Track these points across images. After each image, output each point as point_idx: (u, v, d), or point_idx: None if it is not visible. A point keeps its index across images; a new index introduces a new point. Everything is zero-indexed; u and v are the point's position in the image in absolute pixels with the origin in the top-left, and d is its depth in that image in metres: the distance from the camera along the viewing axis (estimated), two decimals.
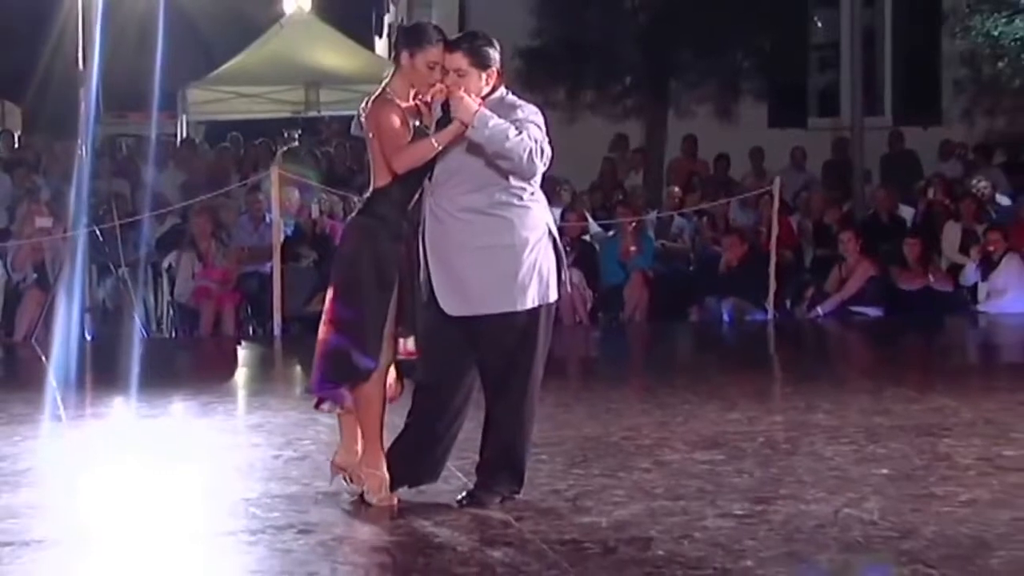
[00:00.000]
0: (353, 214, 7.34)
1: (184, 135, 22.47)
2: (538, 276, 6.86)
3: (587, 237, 17.08)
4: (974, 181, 18.35)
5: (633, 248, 16.59)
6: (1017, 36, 18.69)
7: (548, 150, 6.76)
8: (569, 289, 7.18)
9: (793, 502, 7.04)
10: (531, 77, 20.34)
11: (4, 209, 16.98)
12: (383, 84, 7.06)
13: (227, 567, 6.26)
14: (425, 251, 6.88)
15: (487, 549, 6.29)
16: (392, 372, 7.09)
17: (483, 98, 6.80)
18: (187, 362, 14.68)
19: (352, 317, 6.97)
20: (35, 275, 15.29)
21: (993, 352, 14.99)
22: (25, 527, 6.85)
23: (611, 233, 17.08)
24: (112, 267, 15.28)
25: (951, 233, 17.09)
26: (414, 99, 6.96)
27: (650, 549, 6.23)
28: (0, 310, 15.41)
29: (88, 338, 14.76)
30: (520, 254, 6.80)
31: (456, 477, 7.69)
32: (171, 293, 15.84)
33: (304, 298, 15.84)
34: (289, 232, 16.24)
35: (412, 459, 7.07)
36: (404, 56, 6.98)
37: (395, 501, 7.07)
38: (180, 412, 10.68)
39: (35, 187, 17.11)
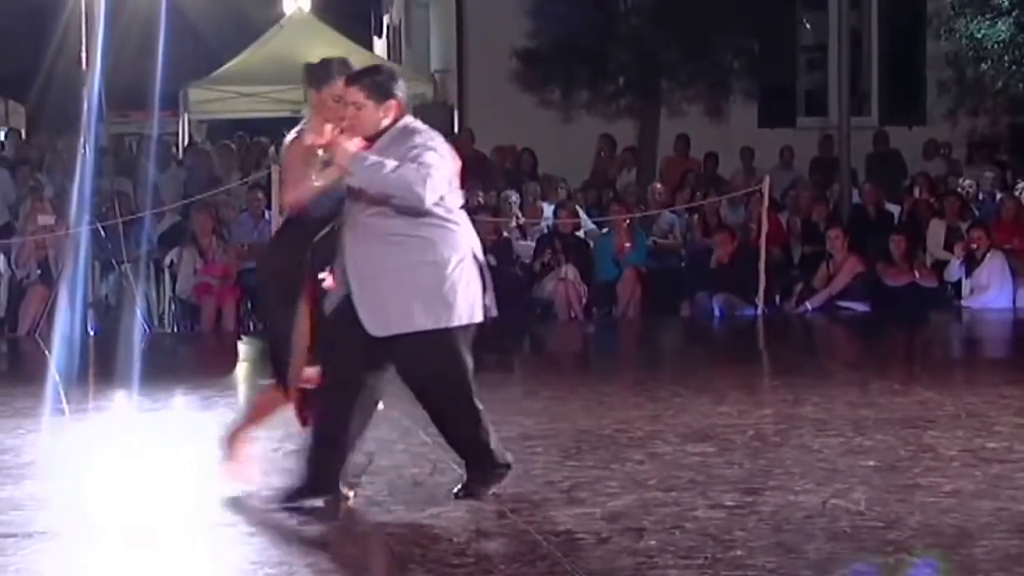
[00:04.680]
0: (268, 241, 7.61)
1: (186, 134, 22.53)
2: (462, 295, 6.91)
3: (581, 234, 17.21)
4: (960, 180, 18.57)
5: (627, 245, 16.72)
6: (999, 38, 18.86)
7: (439, 177, 6.77)
8: (494, 313, 7.14)
9: (782, 493, 7.14)
10: (527, 77, 20.49)
11: (7, 206, 17.08)
12: (302, 122, 7.29)
13: (228, 558, 6.32)
14: (348, 275, 6.94)
15: (482, 540, 6.38)
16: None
17: (384, 130, 6.91)
18: (188, 357, 14.73)
19: (270, 336, 7.32)
20: (39, 271, 15.37)
21: (976, 346, 15.13)
22: (28, 519, 6.92)
23: (604, 230, 17.21)
24: (114, 263, 15.35)
25: (936, 230, 17.28)
26: (333, 132, 7.07)
27: (643, 539, 6.31)
28: (4, 306, 15.51)
29: (91, 333, 14.83)
30: (442, 272, 6.86)
31: (452, 469, 7.83)
32: (173, 289, 15.94)
33: None
34: None
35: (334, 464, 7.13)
36: (312, 93, 7.25)
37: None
38: (181, 406, 10.73)
39: (39, 185, 17.18)
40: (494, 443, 7.21)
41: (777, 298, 16.71)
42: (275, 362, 7.24)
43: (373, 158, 6.76)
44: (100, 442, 9.08)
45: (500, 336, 15.30)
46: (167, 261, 16.01)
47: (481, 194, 17.83)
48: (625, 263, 16.63)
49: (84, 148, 15.86)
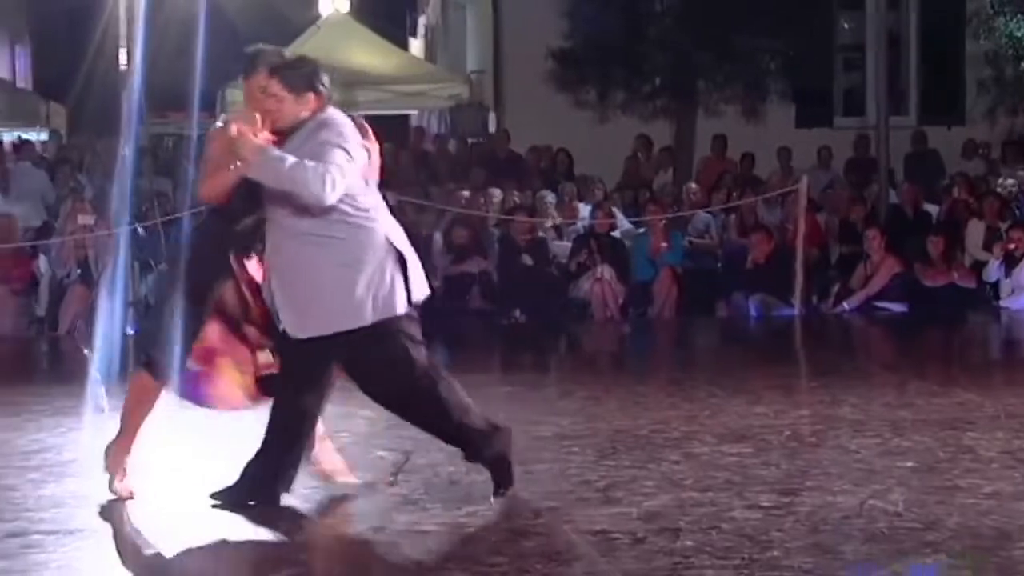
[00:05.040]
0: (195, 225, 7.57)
1: None
2: (376, 290, 6.84)
3: (617, 234, 17.21)
4: (1000, 180, 18.47)
5: (663, 245, 16.72)
6: None
7: (342, 174, 6.70)
8: (424, 293, 7.07)
9: (819, 494, 7.10)
10: (562, 78, 20.50)
11: (46, 207, 17.17)
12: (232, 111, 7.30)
13: (267, 557, 6.35)
14: (269, 276, 6.97)
15: (518, 539, 6.38)
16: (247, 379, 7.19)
17: (302, 123, 6.89)
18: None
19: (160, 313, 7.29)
20: (79, 271, 15.47)
21: (1015, 347, 15.06)
22: (69, 516, 6.96)
23: (640, 230, 17.21)
24: (153, 263, 15.44)
25: (974, 231, 17.21)
26: (263, 122, 7.04)
27: (679, 539, 6.30)
28: (45, 305, 15.61)
29: (130, 332, 14.93)
30: (354, 270, 6.81)
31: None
32: None
33: None
34: None
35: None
36: (241, 81, 7.25)
37: (130, 492, 7.24)
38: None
39: (79, 185, 17.27)
40: (473, 418, 7.16)
41: (814, 299, 16.67)
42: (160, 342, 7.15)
43: (275, 152, 6.75)
44: (139, 440, 9.12)
45: (536, 336, 15.39)
46: None
47: (517, 194, 17.87)
48: (661, 263, 16.63)
49: (124, 149, 15.99)
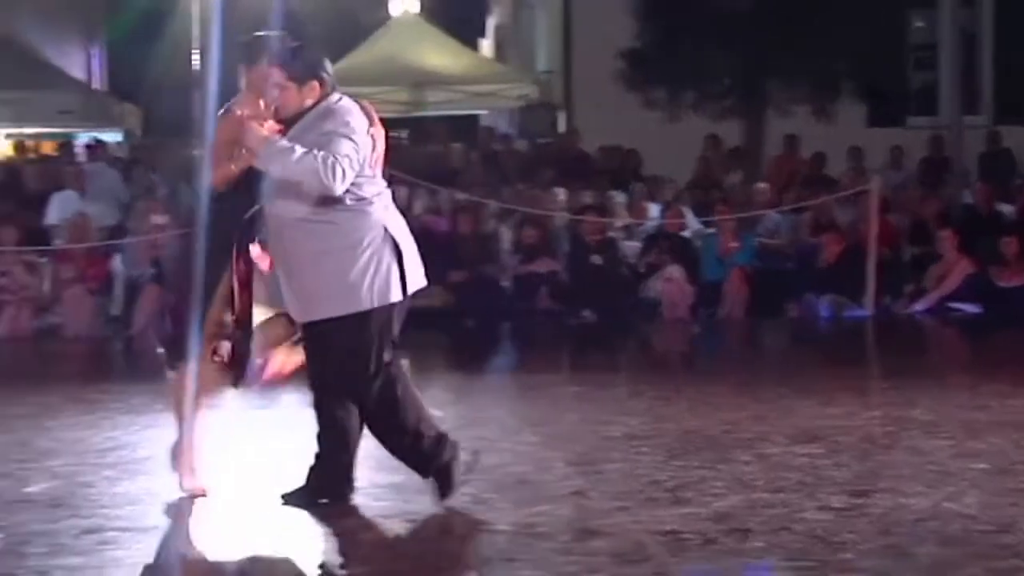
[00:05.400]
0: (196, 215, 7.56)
1: None
2: (371, 278, 6.84)
3: (687, 234, 17.18)
4: None
5: (733, 245, 16.68)
6: None
7: (349, 163, 6.71)
8: (419, 285, 7.07)
9: (892, 496, 7.07)
10: (632, 78, 20.47)
11: (120, 207, 17.32)
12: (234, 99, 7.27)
13: (335, 555, 6.39)
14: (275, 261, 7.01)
15: (588, 539, 6.38)
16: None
17: (307, 110, 6.91)
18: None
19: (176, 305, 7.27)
20: (152, 271, 15.60)
21: None
22: (144, 513, 7.01)
23: (711, 230, 17.18)
24: None
25: None
26: (266, 108, 7.08)
27: (749, 540, 6.29)
28: (120, 305, 15.75)
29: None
30: (350, 257, 6.81)
31: (558, 467, 7.88)
32: None
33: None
34: None
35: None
36: (242, 70, 7.22)
37: (202, 489, 7.26)
38: (291, 403, 10.79)
39: (152, 185, 17.42)
40: (425, 427, 7.10)
41: (886, 299, 16.57)
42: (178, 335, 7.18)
43: (283, 143, 6.77)
44: (212, 439, 9.18)
45: (606, 336, 15.39)
46: None
47: (588, 194, 17.87)
48: (731, 263, 16.59)
49: (197, 149, 16.07)
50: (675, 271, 16.39)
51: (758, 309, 16.40)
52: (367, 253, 6.84)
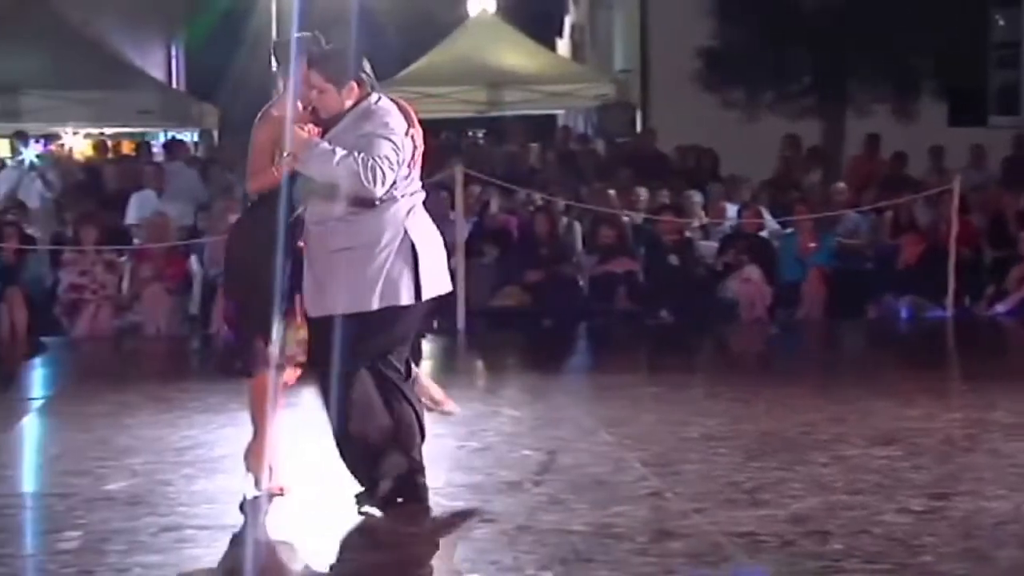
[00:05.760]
0: (238, 217, 7.54)
1: None
2: (383, 280, 6.84)
3: (765, 234, 17.10)
4: None
5: (811, 245, 16.58)
6: None
7: (389, 165, 6.71)
8: (435, 291, 7.01)
9: (972, 498, 7.03)
10: (710, 77, 20.40)
11: (197, 206, 17.43)
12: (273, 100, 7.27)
13: (412, 554, 6.40)
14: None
15: (665, 540, 6.37)
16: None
17: (347, 111, 6.91)
18: None
19: (236, 315, 7.24)
20: None
21: None
22: (222, 512, 7.08)
23: (789, 230, 17.08)
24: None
25: None
26: (304, 110, 7.08)
27: (828, 543, 6.27)
28: (198, 304, 15.86)
29: None
30: (368, 256, 6.82)
31: (635, 467, 7.87)
32: None
33: (487, 293, 16.13)
34: (471, 229, 16.50)
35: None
36: (279, 73, 7.24)
37: (280, 488, 7.26)
38: None
39: (230, 185, 17.51)
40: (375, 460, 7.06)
41: (967, 301, 16.42)
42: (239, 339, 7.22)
43: (325, 146, 6.78)
44: (291, 437, 9.23)
45: (683, 336, 15.34)
46: None
47: (665, 193, 17.82)
48: (810, 264, 16.48)
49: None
50: (753, 271, 16.30)
51: (837, 310, 16.27)
52: (383, 254, 6.85)
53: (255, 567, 6.30)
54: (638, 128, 22.84)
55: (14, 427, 9.76)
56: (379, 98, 6.99)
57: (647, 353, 14.83)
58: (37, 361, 14.31)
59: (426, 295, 6.93)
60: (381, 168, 6.70)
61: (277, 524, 6.93)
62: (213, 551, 6.42)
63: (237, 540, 6.64)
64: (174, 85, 28.43)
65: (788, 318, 16.37)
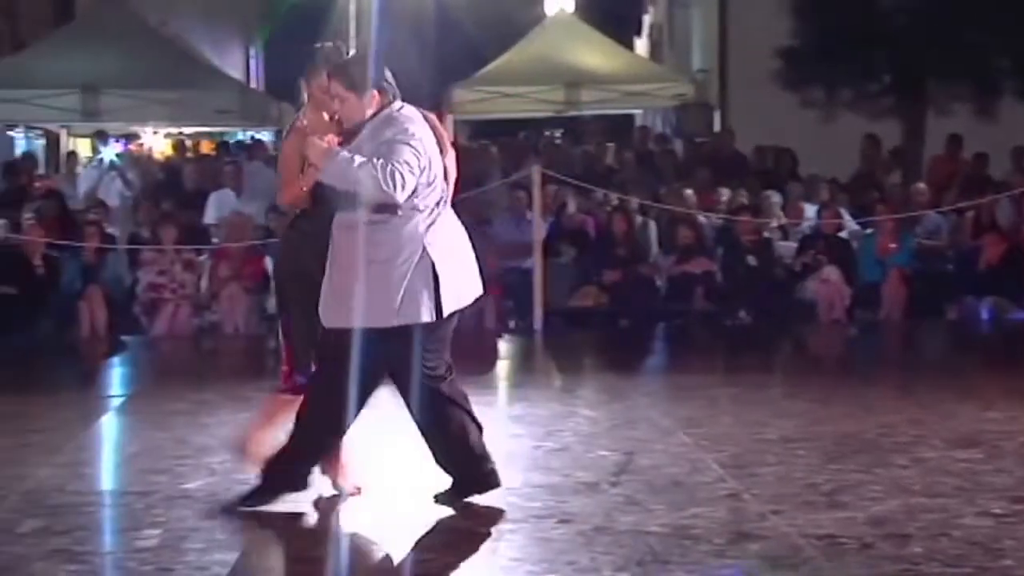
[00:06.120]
0: (284, 230, 7.57)
1: (450, 134, 22.83)
2: (406, 294, 6.80)
3: (844, 234, 16.99)
4: None
5: (891, 246, 16.46)
6: None
7: (410, 171, 6.69)
8: (455, 306, 6.96)
9: None
10: (788, 77, 20.29)
11: (271, 206, 17.50)
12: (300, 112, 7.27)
13: (489, 554, 6.40)
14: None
15: (743, 542, 6.34)
16: None
17: (369, 119, 6.88)
18: (453, 353, 14.89)
19: (286, 329, 7.27)
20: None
21: None
22: (298, 510, 7.04)
23: (868, 231, 16.97)
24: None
25: None
26: (330, 120, 7.08)
27: (907, 546, 6.21)
28: (276, 303, 15.92)
29: None
30: (385, 272, 6.79)
31: (712, 469, 7.83)
32: None
33: (564, 293, 16.13)
34: (549, 229, 16.50)
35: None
36: (303, 84, 7.24)
37: (357, 487, 7.29)
38: None
39: None
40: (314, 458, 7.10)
41: None
42: (292, 356, 7.24)
43: (343, 154, 6.75)
44: (367, 436, 9.25)
45: (761, 337, 15.27)
46: None
47: (743, 194, 17.75)
48: (889, 264, 16.36)
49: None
50: (832, 272, 16.21)
51: (916, 311, 16.15)
52: (401, 270, 6.81)
53: (333, 565, 6.31)
54: (715, 128, 22.76)
55: (93, 425, 9.84)
56: (402, 106, 6.99)
57: (725, 354, 14.78)
58: (116, 360, 14.45)
59: (447, 311, 6.90)
60: (401, 173, 6.68)
61: (353, 522, 6.93)
62: (291, 548, 6.46)
63: (314, 538, 6.66)
64: (252, 85, 28.62)
65: (867, 319, 16.26)
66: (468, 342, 15.41)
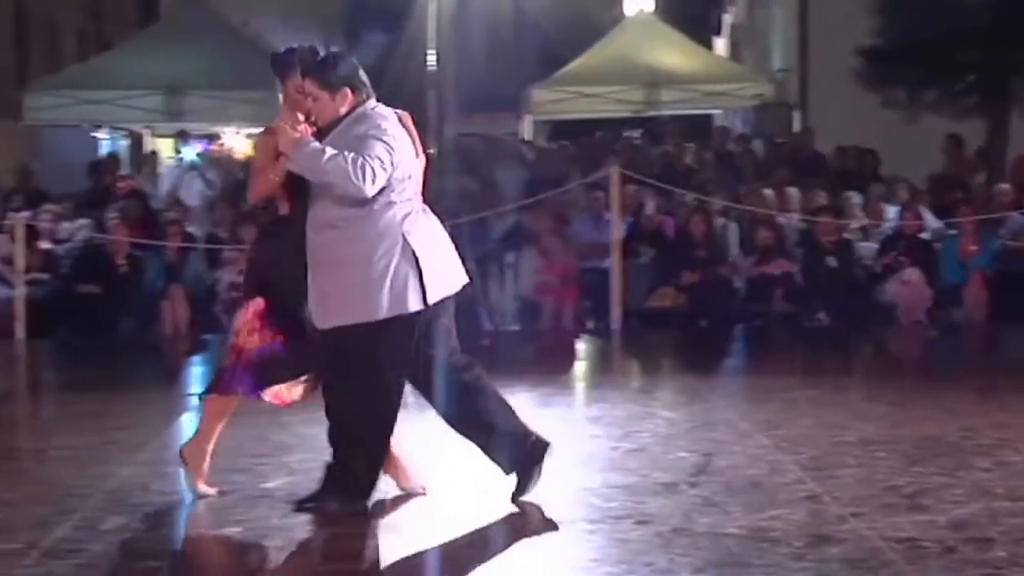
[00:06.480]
0: (259, 235, 7.59)
1: (528, 134, 22.86)
2: (387, 288, 6.83)
3: (926, 236, 16.85)
4: None
5: (973, 247, 16.31)
6: None
7: (380, 165, 6.72)
8: (439, 295, 6.99)
9: None
10: (870, 76, 20.15)
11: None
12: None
13: (567, 555, 6.39)
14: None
15: (822, 545, 6.30)
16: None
17: (342, 118, 6.94)
18: (529, 355, 14.96)
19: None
20: None
21: None
22: (378, 510, 7.07)
23: (951, 232, 16.82)
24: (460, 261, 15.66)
25: None
26: (306, 122, 7.09)
27: (990, 550, 6.15)
28: None
29: None
30: (365, 266, 6.82)
31: (791, 470, 7.79)
32: (514, 287, 16.21)
33: (642, 293, 16.10)
34: (627, 229, 16.48)
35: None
36: (279, 84, 7.26)
37: (423, 488, 7.35)
38: (522, 403, 10.80)
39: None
40: (370, 460, 7.13)
41: None
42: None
43: (315, 145, 6.80)
44: (444, 436, 9.27)
45: (841, 339, 15.18)
46: (509, 260, 16.28)
47: (823, 194, 17.64)
48: (971, 266, 16.22)
49: (431, 148, 16.28)
50: (913, 273, 16.09)
51: (999, 313, 16.00)
52: (383, 262, 6.85)
53: (410, 567, 6.34)
54: (795, 128, 22.64)
55: (174, 424, 9.92)
56: (375, 105, 7.05)
57: (804, 355, 14.71)
58: (198, 358, 14.55)
59: (432, 299, 6.94)
60: (371, 166, 6.73)
61: (426, 524, 6.94)
62: (368, 548, 6.47)
63: (388, 540, 6.68)
64: None
65: (948, 321, 16.12)
66: (546, 343, 15.54)
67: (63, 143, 22.62)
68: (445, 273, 7.06)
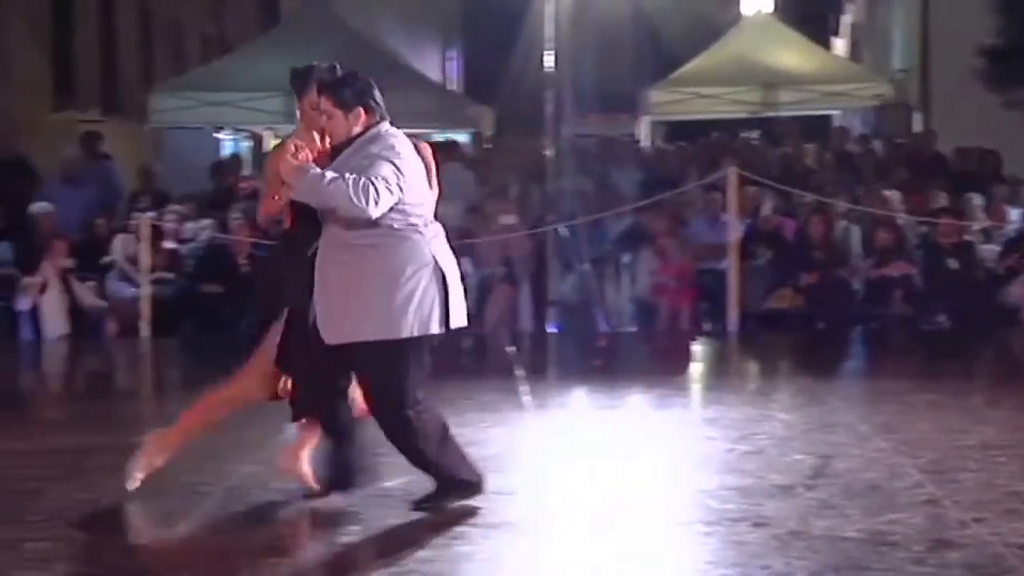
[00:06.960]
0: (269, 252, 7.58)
1: (645, 135, 22.83)
2: (415, 307, 6.84)
3: None
4: None
5: None
6: None
7: (386, 187, 6.71)
8: (459, 324, 7.04)
9: None
10: (993, 76, 19.92)
11: (469, 207, 17.64)
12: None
13: (683, 557, 6.39)
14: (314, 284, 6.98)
15: (943, 550, 6.24)
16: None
17: (356, 137, 6.94)
18: (645, 356, 14.93)
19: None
20: (503, 270, 15.85)
21: None
22: (493, 510, 7.11)
23: None
24: (576, 263, 15.71)
25: None
26: (321, 140, 7.10)
27: None
28: (471, 303, 16.05)
29: (553, 331, 15.25)
30: (394, 283, 6.81)
31: (910, 474, 7.72)
32: (631, 288, 16.19)
33: (760, 295, 16.01)
34: (745, 231, 16.40)
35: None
36: (296, 101, 7.28)
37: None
38: (637, 404, 10.90)
39: (503, 185, 17.72)
40: (450, 457, 7.16)
41: None
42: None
43: (315, 171, 6.77)
44: (560, 437, 9.31)
45: (962, 342, 15.00)
46: (625, 261, 16.26)
47: (944, 196, 17.45)
48: None
49: (548, 149, 16.31)
50: None
51: None
52: (411, 282, 6.88)
53: (524, 565, 6.36)
54: (915, 129, 22.41)
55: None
56: (389, 127, 7.08)
57: (923, 358, 14.56)
58: None
59: (453, 324, 7.00)
60: (375, 187, 6.73)
61: (545, 523, 6.96)
62: (485, 549, 6.49)
63: (508, 538, 6.70)
64: (450, 87, 28.87)
65: None
66: (662, 344, 15.51)
67: (185, 144, 22.86)
68: (462, 304, 7.12)
